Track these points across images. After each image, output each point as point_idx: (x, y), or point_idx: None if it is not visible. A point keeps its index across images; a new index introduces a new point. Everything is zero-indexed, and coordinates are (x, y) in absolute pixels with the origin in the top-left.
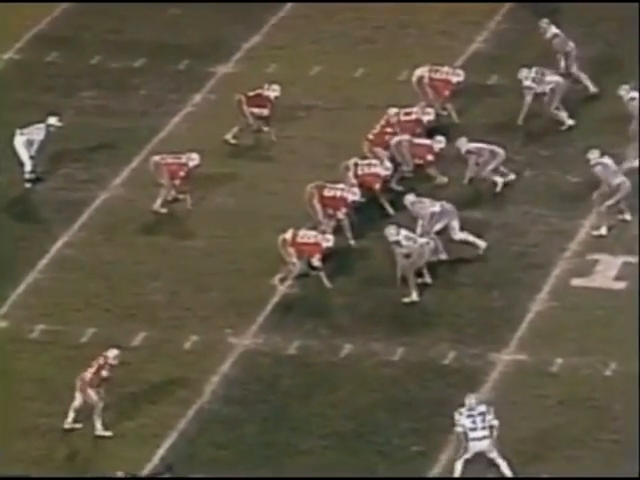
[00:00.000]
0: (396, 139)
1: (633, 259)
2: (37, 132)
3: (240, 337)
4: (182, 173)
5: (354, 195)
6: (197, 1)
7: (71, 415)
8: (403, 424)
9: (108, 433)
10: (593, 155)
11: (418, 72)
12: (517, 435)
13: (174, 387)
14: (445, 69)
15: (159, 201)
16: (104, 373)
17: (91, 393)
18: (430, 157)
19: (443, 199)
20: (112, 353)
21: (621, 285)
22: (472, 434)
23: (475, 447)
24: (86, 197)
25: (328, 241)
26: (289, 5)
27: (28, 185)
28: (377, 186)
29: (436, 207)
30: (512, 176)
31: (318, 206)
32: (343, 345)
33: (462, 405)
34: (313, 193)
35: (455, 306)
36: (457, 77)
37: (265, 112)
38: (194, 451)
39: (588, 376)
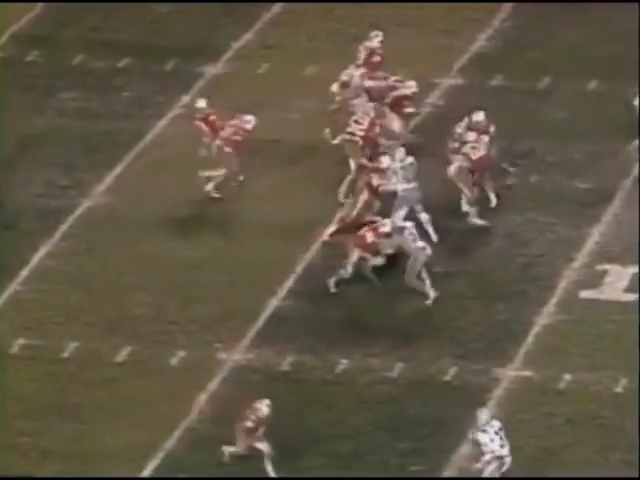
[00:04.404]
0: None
1: None
2: None
3: (230, 352)
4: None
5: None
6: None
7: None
8: (402, 444)
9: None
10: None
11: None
12: (523, 455)
13: (160, 405)
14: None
15: (211, 184)
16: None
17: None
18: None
19: (442, 205)
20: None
21: (632, 297)
22: (500, 451)
23: (506, 463)
24: (67, 205)
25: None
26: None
27: None
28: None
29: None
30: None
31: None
32: (339, 361)
33: (476, 423)
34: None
35: (457, 319)
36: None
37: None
38: (181, 472)
39: (597, 393)
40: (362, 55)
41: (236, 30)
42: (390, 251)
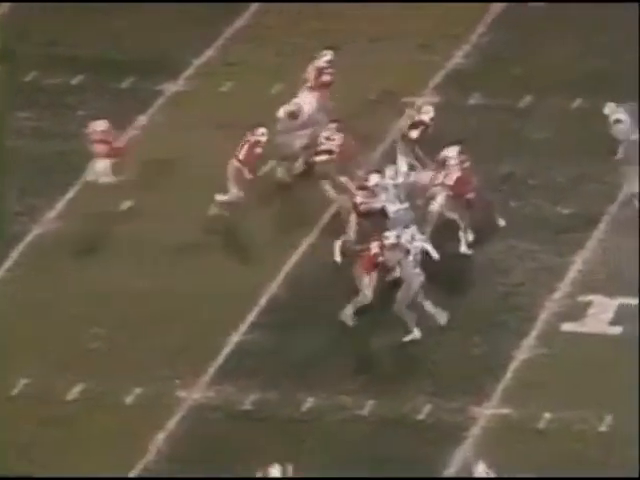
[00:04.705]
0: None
1: (631, 300)
2: None
3: (189, 389)
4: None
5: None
6: (146, 12)
7: None
8: None
9: None
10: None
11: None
12: None
13: (116, 444)
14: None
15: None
16: None
17: None
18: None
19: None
20: None
21: (617, 330)
22: None
23: None
24: (18, 231)
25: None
26: (247, 14)
27: None
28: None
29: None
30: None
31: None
32: (306, 398)
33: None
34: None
35: (433, 353)
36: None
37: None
38: None
39: (580, 432)
40: (311, 76)
41: (197, 46)
42: (396, 274)
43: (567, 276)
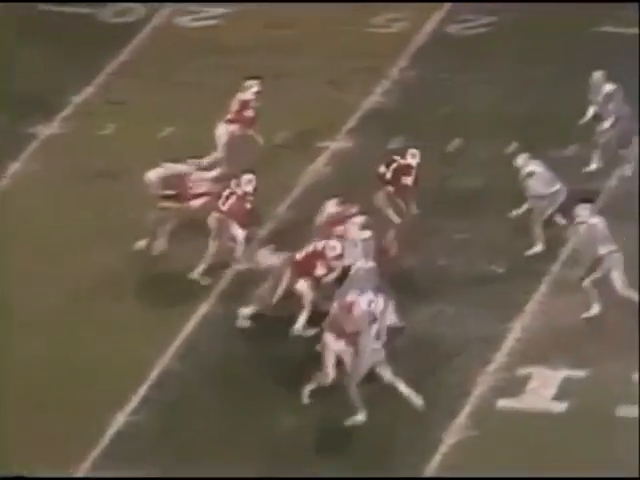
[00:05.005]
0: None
1: (578, 372)
2: None
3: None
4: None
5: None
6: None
7: None
8: None
9: None
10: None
11: None
12: None
13: None
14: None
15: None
16: None
17: None
18: None
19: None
20: None
21: (561, 407)
22: None
23: None
24: None
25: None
26: (132, 46)
27: None
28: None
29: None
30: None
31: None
32: None
33: None
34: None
35: (348, 439)
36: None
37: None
38: None
39: None
40: (233, 108)
41: (76, 82)
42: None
43: (504, 345)
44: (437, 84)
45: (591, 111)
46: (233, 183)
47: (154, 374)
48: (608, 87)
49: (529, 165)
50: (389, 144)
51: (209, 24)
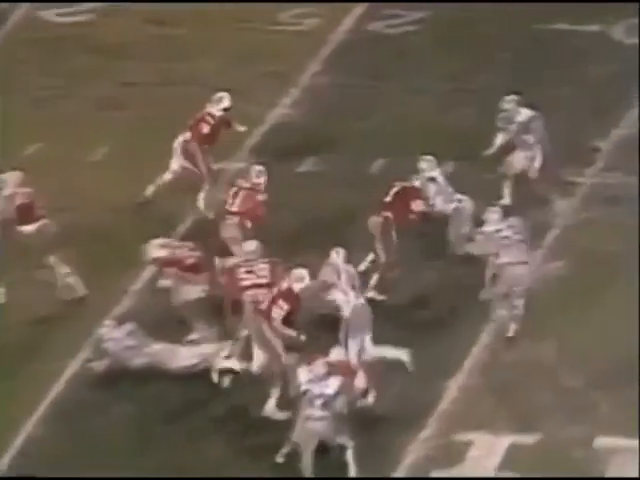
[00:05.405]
0: None
1: (526, 438)
2: None
3: None
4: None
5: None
6: None
7: None
8: None
9: None
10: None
11: None
12: None
13: None
14: None
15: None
16: None
17: None
18: None
19: None
20: None
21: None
22: None
23: None
24: None
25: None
26: None
27: None
28: None
29: None
30: None
31: None
32: None
33: None
34: None
35: None
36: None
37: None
38: None
39: None
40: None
41: None
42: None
43: (439, 407)
44: (356, 93)
45: (499, 139)
46: (241, 180)
47: (18, 441)
48: (525, 113)
49: (432, 170)
50: (296, 167)
51: (79, 20)
